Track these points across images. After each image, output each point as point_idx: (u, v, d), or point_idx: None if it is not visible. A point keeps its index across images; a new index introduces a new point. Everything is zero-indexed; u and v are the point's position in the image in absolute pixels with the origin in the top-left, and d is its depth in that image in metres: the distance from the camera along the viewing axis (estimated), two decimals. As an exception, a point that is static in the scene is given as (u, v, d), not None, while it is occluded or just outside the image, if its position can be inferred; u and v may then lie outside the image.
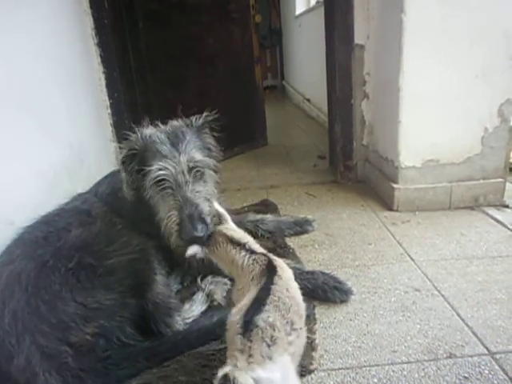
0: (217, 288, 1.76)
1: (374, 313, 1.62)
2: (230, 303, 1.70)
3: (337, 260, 2.02)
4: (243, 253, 1.23)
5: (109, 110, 2.90)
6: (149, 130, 1.68)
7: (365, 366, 1.36)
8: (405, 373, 1.32)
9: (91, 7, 2.69)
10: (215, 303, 1.72)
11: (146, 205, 1.68)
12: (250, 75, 4.08)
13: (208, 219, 1.53)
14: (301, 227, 2.31)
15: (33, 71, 2.02)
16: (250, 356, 0.92)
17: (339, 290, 1.70)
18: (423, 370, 1.33)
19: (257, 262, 1.19)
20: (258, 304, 1.04)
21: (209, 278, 1.81)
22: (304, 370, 1.31)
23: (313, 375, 1.34)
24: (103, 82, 2.84)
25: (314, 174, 3.30)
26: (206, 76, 3.75)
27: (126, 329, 1.44)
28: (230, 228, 1.33)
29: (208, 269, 1.81)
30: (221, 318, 1.55)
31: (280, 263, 1.21)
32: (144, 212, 1.71)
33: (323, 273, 1.77)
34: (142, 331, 1.49)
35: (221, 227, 1.33)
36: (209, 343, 1.48)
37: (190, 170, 1.59)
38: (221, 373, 0.89)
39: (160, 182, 1.57)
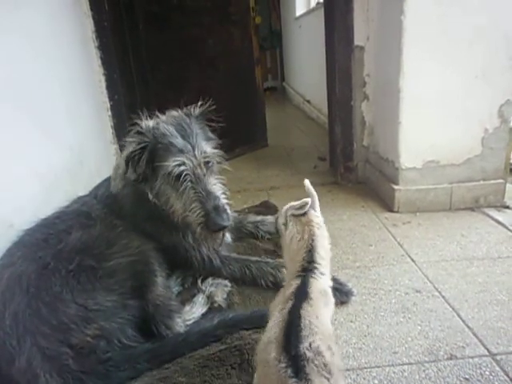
0: (217, 290, 1.76)
1: (374, 314, 1.62)
2: (231, 304, 1.71)
3: (337, 261, 2.01)
4: (299, 268, 1.09)
5: (109, 112, 2.91)
6: (152, 122, 1.67)
7: (365, 368, 1.36)
8: (405, 374, 1.32)
9: (91, 9, 2.71)
10: (216, 305, 1.72)
11: (146, 200, 1.67)
12: (250, 77, 4.09)
13: (228, 209, 1.60)
14: (301, 229, 2.31)
15: (33, 72, 2.03)
16: None
17: (340, 292, 1.69)
18: (424, 371, 1.33)
19: (290, 286, 1.06)
20: (292, 331, 0.90)
21: (209, 279, 1.81)
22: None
23: None
24: (103, 84, 2.85)
25: (314, 176, 3.29)
26: (206, 78, 3.76)
27: (127, 330, 1.44)
28: (320, 224, 1.20)
29: (209, 270, 1.81)
30: (221, 320, 1.56)
31: (315, 289, 1.06)
32: (144, 211, 1.72)
33: (324, 274, 1.77)
34: (143, 333, 1.49)
35: (314, 217, 1.19)
36: (209, 345, 1.48)
37: (205, 163, 1.62)
38: None
39: (178, 176, 1.58)
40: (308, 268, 1.09)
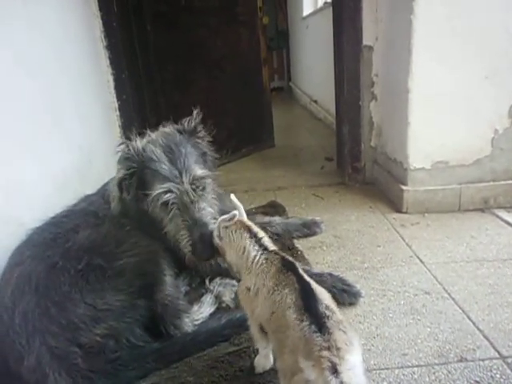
0: (225, 290, 1.76)
1: (383, 315, 1.61)
2: (239, 305, 1.71)
3: (345, 262, 2.01)
4: (256, 247, 1.23)
5: (117, 112, 2.92)
6: (141, 143, 1.63)
7: (374, 370, 1.35)
8: (415, 376, 1.31)
9: (100, 10, 2.72)
10: (224, 305, 1.72)
11: (148, 216, 1.66)
12: (257, 77, 4.09)
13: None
14: (309, 229, 2.30)
15: (44, 73, 2.04)
16: (338, 349, 0.90)
17: (348, 293, 1.69)
18: (434, 373, 1.32)
19: (271, 262, 1.18)
20: (309, 296, 1.03)
21: (217, 279, 1.81)
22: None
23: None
24: (112, 84, 2.86)
25: (321, 176, 3.29)
26: (213, 78, 3.76)
27: (135, 330, 1.44)
28: (248, 220, 1.33)
29: (216, 271, 1.81)
30: (229, 320, 1.55)
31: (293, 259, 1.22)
32: (147, 217, 1.70)
33: (332, 275, 1.76)
34: (151, 332, 1.50)
35: (243, 219, 1.32)
36: (217, 345, 1.49)
37: (193, 188, 1.56)
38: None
39: (165, 203, 1.55)
40: (263, 245, 1.24)
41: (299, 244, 2.20)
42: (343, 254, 2.08)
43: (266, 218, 2.32)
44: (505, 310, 1.57)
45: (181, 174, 1.55)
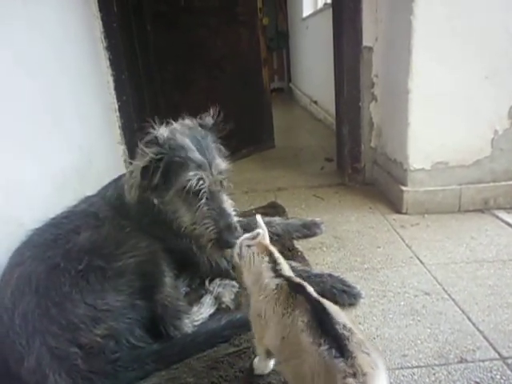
0: (225, 291, 1.76)
1: (383, 316, 1.61)
2: (238, 305, 1.71)
3: (345, 263, 2.01)
4: (271, 273, 1.16)
5: (117, 113, 2.92)
6: (167, 131, 1.65)
7: (374, 370, 1.35)
8: (415, 377, 1.31)
9: (100, 11, 2.72)
10: (223, 306, 1.72)
11: (151, 206, 1.67)
12: (257, 77, 4.09)
13: (239, 227, 1.61)
14: (309, 230, 2.30)
15: (44, 73, 2.04)
16: (365, 375, 0.82)
17: (348, 294, 1.69)
18: (434, 374, 1.31)
19: (281, 288, 1.11)
20: (323, 316, 0.95)
21: (217, 280, 1.81)
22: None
23: None
24: (112, 85, 2.86)
25: (321, 177, 3.29)
26: (213, 78, 3.76)
27: (135, 331, 1.44)
28: (271, 245, 1.27)
29: (216, 272, 1.81)
30: (229, 321, 1.55)
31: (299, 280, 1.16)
32: (149, 216, 1.71)
33: (331, 276, 1.76)
34: (151, 333, 1.49)
35: (263, 241, 1.26)
36: (217, 346, 1.48)
37: (220, 180, 1.62)
38: None
39: (195, 191, 1.57)
40: (278, 272, 1.16)
41: (299, 245, 2.20)
42: (343, 255, 2.08)
43: (266, 219, 2.32)
44: (505, 311, 1.57)
45: (210, 164, 1.60)
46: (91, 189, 1.96)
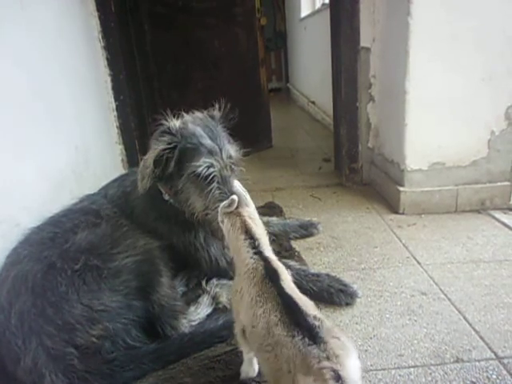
0: (222, 291, 1.75)
1: (380, 316, 1.61)
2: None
3: (342, 263, 2.01)
4: (250, 250, 1.17)
5: (114, 113, 2.92)
6: (179, 122, 1.69)
7: (371, 370, 1.35)
8: (412, 377, 1.31)
9: (98, 10, 2.72)
10: (220, 306, 1.72)
11: (159, 200, 1.72)
12: (255, 78, 4.09)
13: None
14: (306, 230, 2.31)
15: (41, 72, 2.04)
16: (337, 356, 0.88)
17: (345, 293, 1.69)
18: (430, 374, 1.32)
19: (256, 269, 1.13)
20: (294, 309, 1.00)
21: (214, 280, 1.81)
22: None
23: None
24: (109, 85, 2.86)
25: (319, 177, 3.29)
26: (211, 78, 3.76)
27: (132, 331, 1.44)
28: (252, 215, 1.25)
29: (215, 269, 1.81)
30: (226, 321, 1.55)
31: (279, 265, 1.17)
32: (156, 211, 1.74)
33: (328, 275, 1.77)
34: (148, 333, 1.49)
35: (244, 211, 1.24)
36: (214, 346, 1.48)
37: (230, 165, 1.67)
38: None
39: (207, 176, 1.61)
40: (257, 248, 1.18)
41: (296, 245, 2.20)
42: (340, 255, 2.08)
43: (264, 219, 2.31)
44: (501, 311, 1.58)
45: (221, 150, 1.65)
46: (88, 189, 1.96)
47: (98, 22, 2.73)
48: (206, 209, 1.63)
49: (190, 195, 1.65)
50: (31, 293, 1.34)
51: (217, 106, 1.82)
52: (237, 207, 1.23)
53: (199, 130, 1.67)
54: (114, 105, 2.90)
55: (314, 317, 0.97)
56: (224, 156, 1.65)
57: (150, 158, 1.61)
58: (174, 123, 1.68)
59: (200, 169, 1.60)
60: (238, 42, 3.88)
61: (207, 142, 1.64)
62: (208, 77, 3.75)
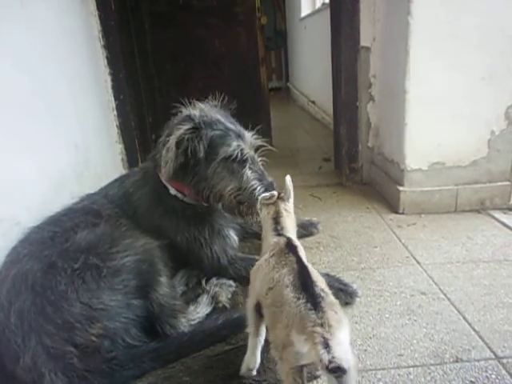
0: (222, 290, 1.75)
1: (379, 316, 1.61)
2: (235, 305, 1.71)
3: (342, 262, 2.01)
4: (273, 233, 1.31)
5: (114, 112, 2.91)
6: (198, 111, 1.73)
7: (370, 370, 1.35)
8: (411, 377, 1.31)
9: (98, 9, 2.71)
10: (220, 305, 1.71)
11: (165, 196, 1.76)
12: (255, 77, 4.08)
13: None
14: (306, 229, 2.31)
15: (42, 71, 2.04)
16: (330, 326, 0.95)
17: (344, 292, 1.69)
18: (429, 374, 1.32)
19: (277, 243, 1.26)
20: (306, 278, 1.09)
21: (214, 280, 1.81)
22: (309, 376, 1.30)
23: (319, 379, 1.33)
24: (109, 84, 2.86)
25: (319, 176, 3.29)
26: (211, 77, 3.77)
27: (131, 330, 1.44)
28: (288, 208, 1.41)
29: (216, 267, 1.81)
30: (226, 320, 1.55)
31: (299, 245, 1.28)
32: (161, 208, 1.77)
33: (328, 275, 1.76)
34: (147, 332, 1.49)
35: (281, 203, 1.40)
36: (214, 345, 1.48)
37: (253, 145, 1.77)
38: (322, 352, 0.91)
39: (240, 158, 1.68)
40: (281, 232, 1.32)
41: (296, 244, 2.20)
42: (340, 255, 2.08)
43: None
44: (500, 311, 1.58)
45: (243, 134, 1.74)
46: (89, 188, 1.96)
47: (98, 20, 2.72)
48: (239, 190, 1.69)
49: (220, 179, 1.70)
50: (31, 291, 1.34)
51: (215, 101, 1.87)
52: (276, 199, 1.40)
53: (220, 117, 1.72)
54: (113, 104, 2.90)
55: (322, 289, 1.07)
56: (248, 138, 1.73)
57: (172, 141, 1.63)
58: (194, 111, 1.72)
59: (235, 152, 1.66)
60: (238, 40, 3.88)
61: (232, 127, 1.71)
62: (208, 76, 3.75)
